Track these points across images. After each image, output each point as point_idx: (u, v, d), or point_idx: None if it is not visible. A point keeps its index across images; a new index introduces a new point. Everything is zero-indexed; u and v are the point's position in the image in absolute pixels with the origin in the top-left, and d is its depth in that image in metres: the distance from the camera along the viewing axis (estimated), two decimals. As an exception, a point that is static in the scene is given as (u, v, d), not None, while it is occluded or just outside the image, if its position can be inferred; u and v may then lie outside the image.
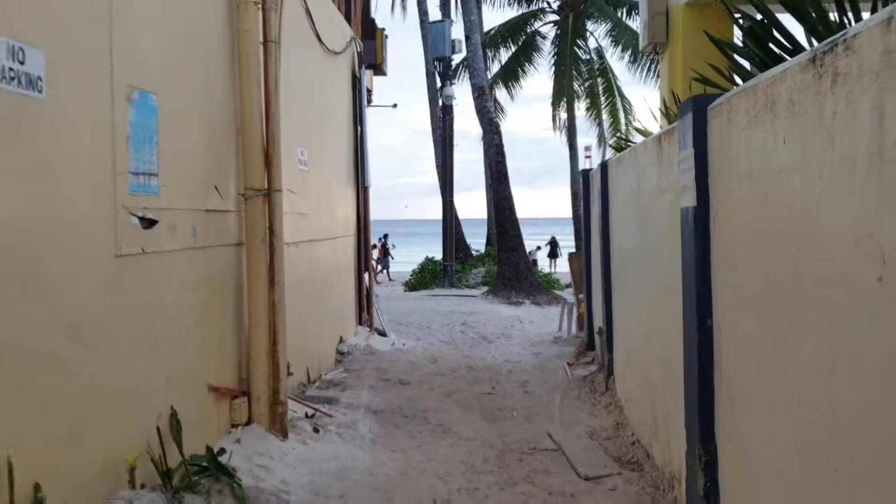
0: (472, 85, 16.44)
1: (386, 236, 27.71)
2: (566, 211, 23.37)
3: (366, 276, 9.88)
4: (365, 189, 9.79)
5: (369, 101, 10.65)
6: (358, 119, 9.55)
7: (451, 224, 18.85)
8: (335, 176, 8.45)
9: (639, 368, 5.27)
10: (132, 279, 3.67)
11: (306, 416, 5.64)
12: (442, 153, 19.15)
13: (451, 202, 19.05)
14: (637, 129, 7.88)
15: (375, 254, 24.11)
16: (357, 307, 9.60)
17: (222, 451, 4.23)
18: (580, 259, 10.12)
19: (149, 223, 3.79)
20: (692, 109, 3.10)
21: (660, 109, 7.68)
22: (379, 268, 24.39)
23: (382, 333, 10.10)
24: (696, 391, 3.13)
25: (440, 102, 18.54)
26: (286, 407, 5.07)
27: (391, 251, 27.79)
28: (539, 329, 11.75)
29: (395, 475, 4.75)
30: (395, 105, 12.02)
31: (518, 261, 15.73)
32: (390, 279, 24.82)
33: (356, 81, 9.52)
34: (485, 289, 17.84)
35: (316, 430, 5.38)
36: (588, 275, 8.66)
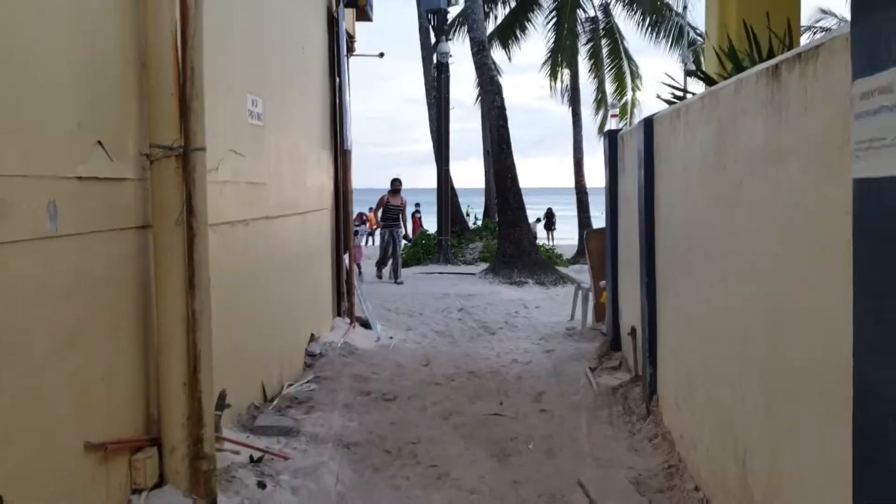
0: (472, 39, 14.73)
1: (417, 205, 25.17)
2: (561, 180, 21.89)
3: (345, 256, 8.33)
4: (344, 153, 8.19)
5: (351, 49, 9.00)
6: (336, 67, 7.92)
7: (446, 195, 17.24)
8: (305, 135, 6.85)
9: (709, 400, 3.77)
10: None
11: (251, 460, 4.14)
12: (437, 117, 17.47)
13: (447, 171, 17.41)
14: (673, 87, 6.29)
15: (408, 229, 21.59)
16: (335, 295, 8.06)
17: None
18: (601, 238, 8.60)
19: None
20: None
21: (716, 49, 6.10)
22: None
23: (366, 325, 8.58)
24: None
25: (434, 60, 16.80)
26: (213, 462, 3.56)
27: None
28: (547, 316, 10.25)
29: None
30: (381, 54, 10.37)
31: (521, 236, 14.16)
32: None
33: (333, 21, 7.87)
34: (483, 266, 16.33)
35: (262, 486, 3.87)
36: (614, 258, 7.14)
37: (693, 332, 4.14)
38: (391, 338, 8.24)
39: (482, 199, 25.16)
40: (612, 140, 7.05)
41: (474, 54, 14.71)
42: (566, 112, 22.08)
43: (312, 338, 6.91)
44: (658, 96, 9.13)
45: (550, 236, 29.85)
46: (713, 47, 5.87)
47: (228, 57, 4.64)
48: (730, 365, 3.45)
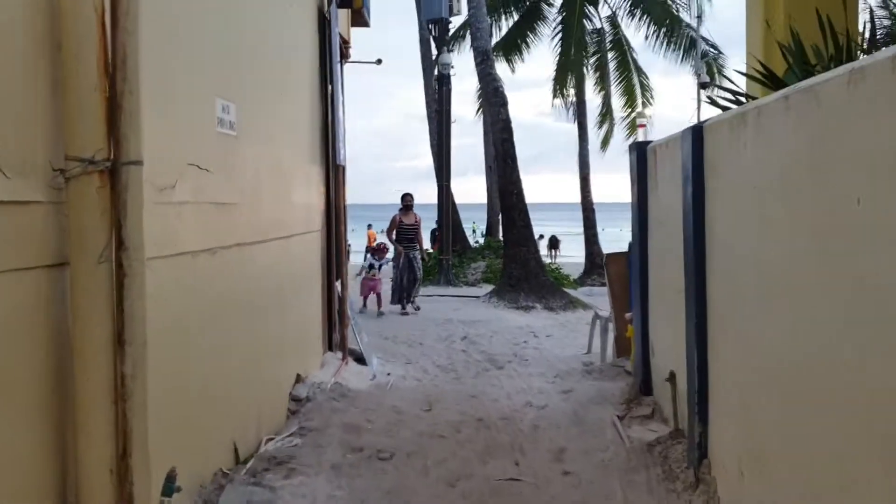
0: (475, 48, 13.97)
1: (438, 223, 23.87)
2: (560, 196, 21.11)
3: (338, 284, 7.47)
4: (337, 168, 7.36)
5: (345, 55, 8.20)
6: (328, 74, 7.11)
7: (447, 211, 16.41)
8: (290, 149, 6.02)
9: (796, 477, 2.91)
10: None
11: (209, 555, 3.26)
12: (438, 131, 16.68)
13: (448, 186, 16.59)
14: (733, 92, 5.46)
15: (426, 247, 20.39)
16: (325, 327, 7.20)
17: None
18: (623, 263, 7.76)
19: None
20: None
21: (782, 48, 5.29)
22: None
23: (360, 359, 7.72)
24: None
25: (436, 72, 16.04)
26: (148, 577, 2.69)
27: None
28: (560, 347, 9.39)
29: None
30: (379, 61, 9.61)
31: (528, 257, 13.31)
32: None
33: (325, 22, 7.07)
34: (486, 287, 15.49)
35: None
36: (643, 288, 6.28)
37: (770, 387, 3.28)
38: (388, 374, 7.37)
39: (483, 215, 24.34)
40: (640, 153, 6.22)
41: (478, 64, 13.95)
42: (565, 128, 21.47)
43: (299, 379, 6.05)
44: (709, 100, 8.27)
45: (553, 255, 28.98)
46: (778, 43, 5.04)
47: (191, 51, 3.81)
48: (833, 435, 2.60)
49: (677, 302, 4.76)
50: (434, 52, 17.71)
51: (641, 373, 6.16)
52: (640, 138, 6.96)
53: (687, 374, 4.53)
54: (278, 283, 5.56)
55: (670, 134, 5.25)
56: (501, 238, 16.09)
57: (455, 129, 16.53)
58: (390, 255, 12.05)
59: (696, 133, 4.24)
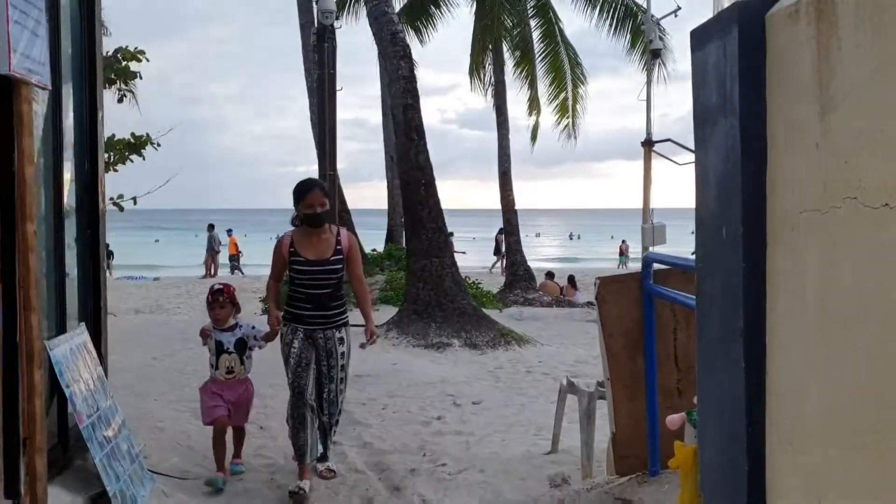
0: (365, -19, 10.03)
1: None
2: (470, 202, 17.43)
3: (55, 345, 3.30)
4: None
5: None
6: None
7: (332, 210, 12.30)
8: None
9: None
10: None
11: None
12: (318, 101, 12.61)
13: (334, 176, 12.45)
14: None
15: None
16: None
17: None
18: (633, 295, 4.02)
19: None
20: None
21: None
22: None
23: (97, 499, 3.59)
24: None
25: (315, 21, 11.93)
26: None
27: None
28: (501, 431, 5.56)
29: None
30: None
31: (441, 272, 9.38)
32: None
33: None
34: (386, 310, 11.54)
35: None
36: (755, 360, 2.42)
37: None
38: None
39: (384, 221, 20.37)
40: (747, 35, 2.40)
41: (370, 4, 10.00)
42: (473, 135, 17.81)
43: None
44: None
45: (502, 263, 22.81)
46: None
47: None
48: None
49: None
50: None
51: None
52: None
53: None
54: None
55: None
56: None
57: (359, 135, 12.52)
58: (258, 329, 4.72)
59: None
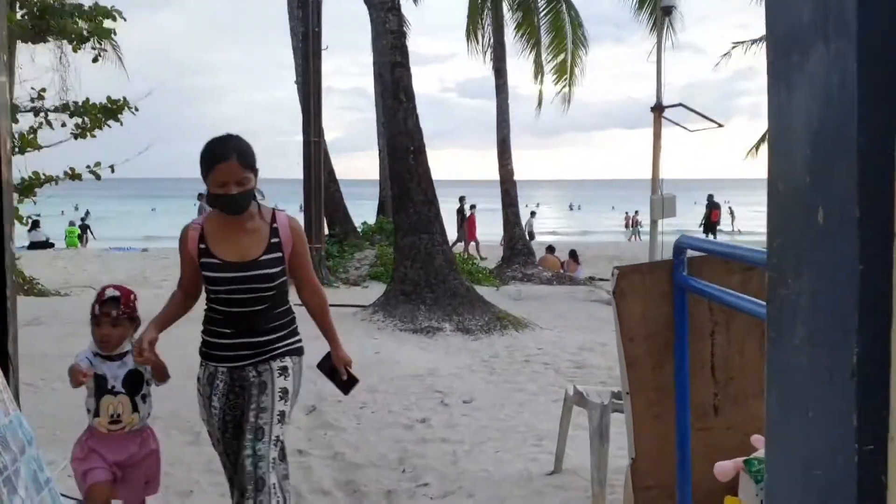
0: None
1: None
2: (468, 173, 16.54)
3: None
4: None
5: None
6: None
7: (317, 180, 11.44)
8: None
9: None
10: None
11: None
12: (303, 61, 11.66)
13: (319, 143, 11.59)
14: None
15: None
16: None
17: None
18: (660, 289, 3.17)
19: None
20: None
21: None
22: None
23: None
24: None
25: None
26: None
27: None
28: (495, 441, 4.76)
29: None
30: None
31: (431, 249, 8.53)
32: None
33: None
34: (375, 287, 10.76)
35: None
36: (824, 375, 1.64)
37: None
38: None
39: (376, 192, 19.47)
40: None
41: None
42: (471, 103, 16.84)
43: None
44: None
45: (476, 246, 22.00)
46: None
47: None
48: None
49: None
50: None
51: None
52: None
53: None
54: None
55: None
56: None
57: (358, 104, 11.61)
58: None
59: None
